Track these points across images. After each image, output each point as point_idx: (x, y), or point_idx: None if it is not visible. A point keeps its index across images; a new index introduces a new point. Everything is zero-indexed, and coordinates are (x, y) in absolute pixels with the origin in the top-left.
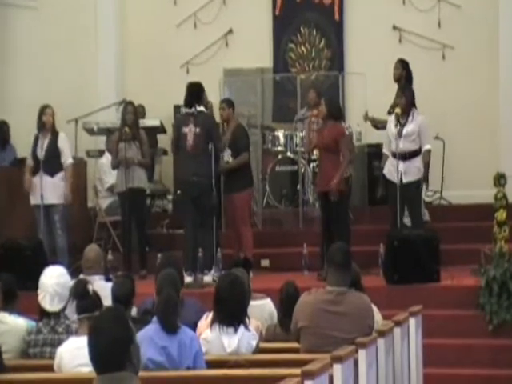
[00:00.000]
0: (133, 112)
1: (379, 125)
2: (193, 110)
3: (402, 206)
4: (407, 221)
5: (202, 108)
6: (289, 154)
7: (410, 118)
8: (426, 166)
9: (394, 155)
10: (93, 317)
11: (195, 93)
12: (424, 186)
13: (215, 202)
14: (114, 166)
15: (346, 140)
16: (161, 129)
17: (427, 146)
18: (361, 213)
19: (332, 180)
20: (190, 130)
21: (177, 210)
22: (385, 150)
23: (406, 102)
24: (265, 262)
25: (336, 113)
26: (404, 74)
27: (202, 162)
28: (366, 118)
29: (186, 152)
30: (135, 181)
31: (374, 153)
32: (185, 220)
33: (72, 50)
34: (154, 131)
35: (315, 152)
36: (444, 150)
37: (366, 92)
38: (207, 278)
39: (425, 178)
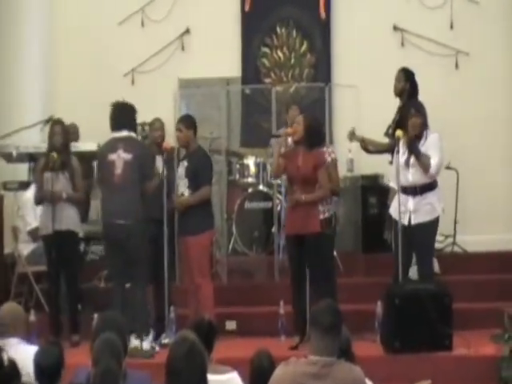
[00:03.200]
0: (62, 133)
1: (371, 147)
2: (123, 133)
3: (410, 255)
4: (412, 273)
5: (133, 134)
6: (261, 187)
7: (422, 141)
8: (420, 154)
9: (403, 190)
10: None
11: (127, 114)
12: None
13: (143, 248)
14: (38, 201)
15: (326, 170)
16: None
17: (432, 162)
18: (353, 262)
19: (312, 218)
20: (118, 157)
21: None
22: (392, 184)
23: (422, 123)
24: (230, 325)
25: (314, 138)
26: (407, 87)
27: (132, 197)
28: (352, 136)
29: (112, 184)
30: (64, 221)
31: (371, 186)
32: (110, 271)
33: None
34: (89, 158)
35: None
36: (458, 182)
37: (359, 108)
38: (145, 345)
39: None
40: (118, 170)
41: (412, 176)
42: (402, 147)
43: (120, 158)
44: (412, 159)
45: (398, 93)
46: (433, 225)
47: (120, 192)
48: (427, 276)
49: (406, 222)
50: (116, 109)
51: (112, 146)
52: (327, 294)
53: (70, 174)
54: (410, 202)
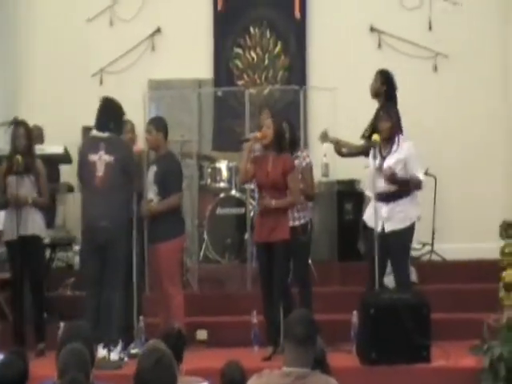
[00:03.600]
0: (26, 135)
1: (344, 150)
2: (106, 134)
3: (384, 263)
4: (388, 281)
5: (113, 133)
6: (234, 192)
7: (395, 147)
8: (405, 180)
9: (376, 196)
10: None
11: (113, 112)
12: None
13: (123, 254)
14: (1, 206)
15: (296, 175)
16: (65, 158)
17: (419, 176)
18: (328, 270)
19: (281, 225)
20: (99, 159)
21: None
22: (367, 192)
23: (391, 126)
24: (201, 334)
25: (284, 143)
26: (384, 90)
27: (115, 200)
28: (325, 138)
29: (93, 187)
30: (29, 226)
31: (347, 192)
32: (87, 277)
33: None
34: (55, 161)
35: (252, 186)
36: (436, 189)
37: (335, 112)
38: (113, 356)
39: (393, 178)
40: (100, 172)
41: (384, 182)
42: (373, 151)
43: (101, 159)
44: (386, 164)
45: (374, 94)
46: (407, 232)
47: (102, 195)
48: (404, 285)
49: (379, 230)
50: (103, 105)
51: (93, 145)
52: (302, 303)
53: (35, 177)
54: (384, 209)
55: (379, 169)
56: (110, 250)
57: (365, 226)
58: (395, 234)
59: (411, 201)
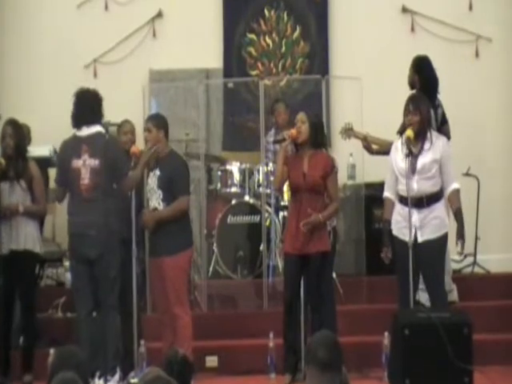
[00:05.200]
0: (14, 135)
1: (375, 147)
2: (85, 131)
3: (417, 277)
4: (425, 299)
5: (99, 128)
6: (247, 198)
7: (427, 145)
8: (459, 213)
9: (403, 200)
10: None
11: (86, 101)
12: (457, 246)
13: (115, 269)
14: None
15: (335, 176)
16: (53, 160)
17: (454, 185)
18: (356, 286)
19: (320, 235)
20: (84, 164)
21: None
22: (387, 193)
23: (420, 121)
24: (211, 361)
25: (322, 137)
26: (417, 79)
27: (104, 208)
28: (348, 133)
29: (78, 195)
30: (21, 240)
31: (376, 196)
32: (77, 295)
33: None
34: (43, 164)
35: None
36: (479, 192)
37: (361, 104)
38: None
39: (459, 234)
40: (85, 180)
41: (417, 184)
42: (403, 148)
43: (86, 165)
44: (419, 164)
45: (409, 84)
46: (443, 241)
47: (89, 204)
48: (441, 301)
49: (411, 240)
50: (76, 99)
51: (75, 148)
52: (328, 320)
53: (28, 182)
54: (415, 216)
55: (412, 168)
56: (100, 264)
57: (390, 235)
58: (430, 244)
59: (444, 204)
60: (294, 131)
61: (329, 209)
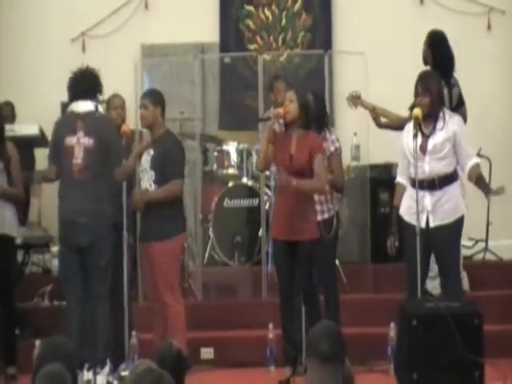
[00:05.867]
0: None
1: (384, 120)
2: (84, 107)
3: (426, 265)
4: (432, 287)
5: (94, 107)
6: (245, 180)
7: (440, 124)
8: (480, 177)
9: (415, 184)
10: None
11: (88, 82)
12: (490, 194)
13: (107, 257)
14: None
15: (321, 159)
16: (40, 140)
17: (474, 160)
18: (360, 274)
19: (309, 220)
20: (78, 142)
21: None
22: (399, 178)
23: (430, 103)
24: (207, 353)
25: (314, 117)
26: (429, 55)
27: (96, 193)
28: (354, 100)
29: (70, 177)
30: None
31: (382, 179)
32: (66, 284)
33: None
34: (28, 144)
35: (272, 170)
36: (490, 174)
37: (367, 81)
38: (100, 380)
39: (486, 189)
40: (78, 159)
41: (429, 165)
42: (412, 129)
43: (80, 143)
44: (430, 144)
45: (423, 60)
46: (457, 226)
47: (81, 188)
48: (455, 291)
49: (422, 225)
50: (75, 75)
51: (71, 125)
52: (327, 314)
53: (5, 163)
54: (427, 199)
55: (423, 148)
56: (91, 253)
57: (400, 220)
58: (443, 229)
59: (459, 186)
60: (280, 110)
61: (309, 181)
